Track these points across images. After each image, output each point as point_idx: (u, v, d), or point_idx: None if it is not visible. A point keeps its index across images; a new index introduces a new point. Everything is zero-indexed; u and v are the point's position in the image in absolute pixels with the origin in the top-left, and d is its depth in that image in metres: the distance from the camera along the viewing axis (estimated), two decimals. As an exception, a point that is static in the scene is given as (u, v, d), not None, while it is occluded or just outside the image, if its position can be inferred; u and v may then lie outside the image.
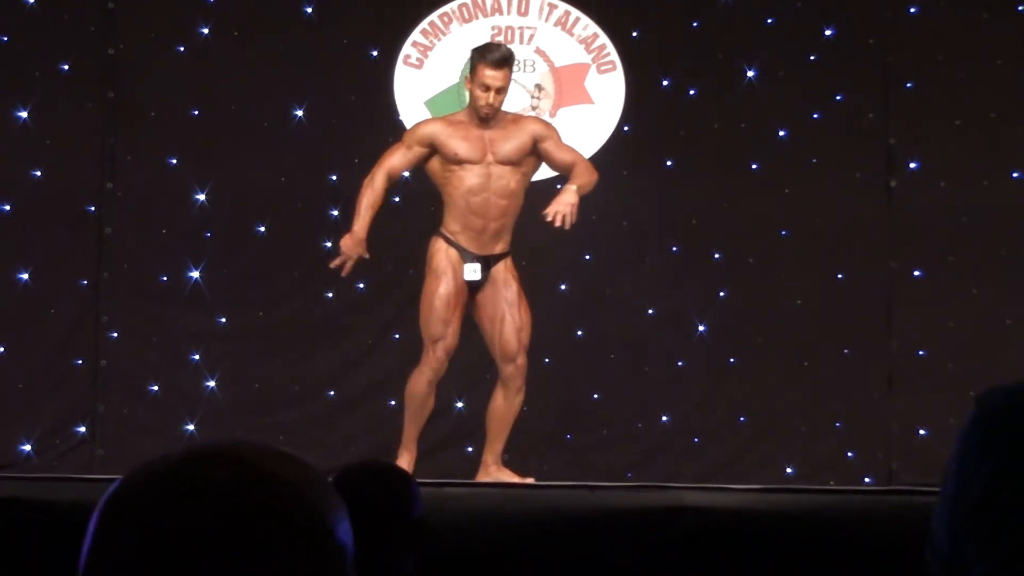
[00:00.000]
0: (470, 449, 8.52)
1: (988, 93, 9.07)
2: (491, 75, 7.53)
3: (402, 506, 3.37)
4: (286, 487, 1.22)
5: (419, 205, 8.67)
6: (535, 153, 7.68)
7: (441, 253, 7.61)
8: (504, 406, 7.67)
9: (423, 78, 9.13)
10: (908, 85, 9.14)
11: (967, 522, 1.67)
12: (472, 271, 7.59)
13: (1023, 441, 1.65)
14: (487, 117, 7.62)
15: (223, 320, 9.03)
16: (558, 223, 7.45)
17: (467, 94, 7.73)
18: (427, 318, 7.63)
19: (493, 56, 7.58)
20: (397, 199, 8.99)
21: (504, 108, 7.68)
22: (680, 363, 9.02)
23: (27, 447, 8.82)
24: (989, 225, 9.00)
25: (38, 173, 8.96)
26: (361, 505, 3.20)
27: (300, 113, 9.07)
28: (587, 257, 8.99)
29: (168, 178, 9.03)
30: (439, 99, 9.07)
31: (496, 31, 9.17)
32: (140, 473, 1.25)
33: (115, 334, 9.01)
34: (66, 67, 9.06)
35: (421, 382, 7.64)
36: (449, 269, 7.58)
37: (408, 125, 9.01)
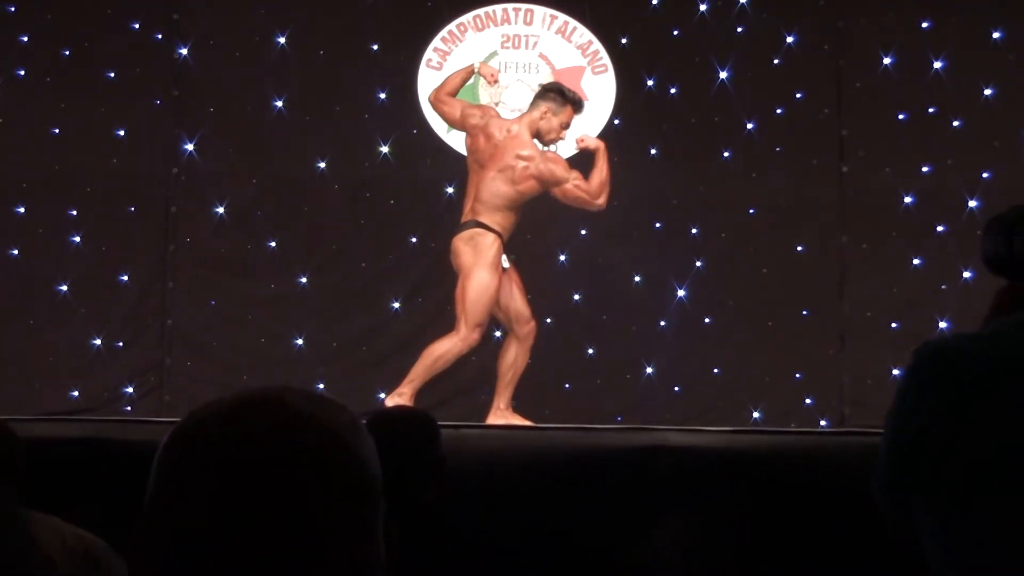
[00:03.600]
0: (483, 397, 8.52)
1: (927, 92, 9.05)
2: (574, 119, 7.84)
3: (425, 445, 3.36)
4: (324, 426, 1.21)
5: (438, 187, 8.68)
6: None
7: (495, 247, 7.51)
8: (518, 360, 7.67)
9: (442, 79, 9.09)
10: (857, 84, 9.11)
11: (906, 456, 1.66)
12: (505, 260, 7.59)
13: (951, 383, 1.64)
14: (549, 145, 7.72)
15: (272, 286, 9.02)
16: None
17: (543, 121, 7.66)
18: (480, 305, 7.46)
19: (582, 107, 7.87)
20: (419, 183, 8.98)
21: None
22: (662, 323, 9.00)
23: (105, 394, 8.83)
24: (927, 205, 8.98)
25: (114, 160, 8.96)
26: (390, 444, 3.20)
27: (338, 108, 9.05)
28: (583, 232, 8.97)
29: (225, 165, 9.02)
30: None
31: (505, 38, 9.14)
32: (197, 416, 1.24)
33: (180, 298, 9.01)
34: (137, 70, 9.04)
35: (452, 353, 7.54)
36: (499, 263, 7.52)
37: (431, 122, 9.00)
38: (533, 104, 7.73)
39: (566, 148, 8.28)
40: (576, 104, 7.71)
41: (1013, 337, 1.68)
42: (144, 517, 1.21)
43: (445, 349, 7.51)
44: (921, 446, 1.67)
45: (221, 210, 9.01)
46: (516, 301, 7.66)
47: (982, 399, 1.63)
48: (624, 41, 9.17)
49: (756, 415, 8.86)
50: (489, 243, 7.47)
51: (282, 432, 1.19)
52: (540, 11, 9.18)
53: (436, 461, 3.36)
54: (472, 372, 8.60)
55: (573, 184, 7.64)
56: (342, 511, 1.19)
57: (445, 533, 3.17)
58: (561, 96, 7.64)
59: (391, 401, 7.46)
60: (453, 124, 7.93)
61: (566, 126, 7.73)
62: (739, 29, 9.13)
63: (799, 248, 9.03)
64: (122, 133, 8.96)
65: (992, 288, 2.10)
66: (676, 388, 8.95)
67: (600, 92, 9.09)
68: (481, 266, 7.45)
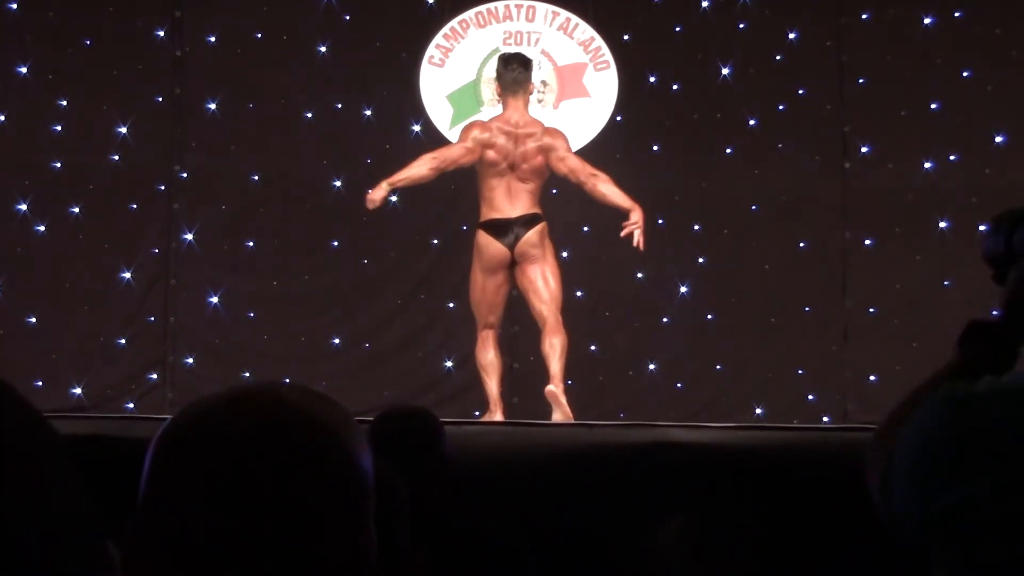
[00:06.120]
0: (476, 395, 8.50)
1: (929, 88, 9.03)
2: None
3: (431, 443, 3.35)
4: (316, 420, 1.21)
5: (441, 184, 8.66)
6: None
7: None
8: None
9: (445, 75, 9.09)
10: (860, 81, 9.10)
11: (935, 519, 1.57)
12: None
13: (1003, 468, 1.51)
14: None
15: (275, 283, 9.02)
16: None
17: (534, 93, 7.69)
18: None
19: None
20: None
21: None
22: (665, 319, 9.00)
23: (108, 391, 8.83)
24: (929, 201, 8.97)
25: (116, 158, 8.95)
26: (398, 442, 3.19)
27: (340, 106, 9.04)
28: (585, 228, 8.95)
29: (227, 162, 9.02)
30: (458, 94, 9.04)
31: (507, 35, 9.13)
32: (189, 411, 1.24)
33: (182, 295, 9.01)
34: (140, 67, 9.04)
35: (566, 345, 7.42)
36: None
37: (433, 119, 9.00)
38: (521, 87, 7.55)
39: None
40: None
41: None
42: (137, 513, 1.21)
43: (554, 342, 7.36)
44: (959, 523, 1.57)
45: (223, 207, 9.00)
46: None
47: None
48: (626, 37, 9.16)
49: (759, 411, 8.85)
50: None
51: (274, 426, 1.19)
52: (542, 7, 9.17)
53: (441, 458, 3.34)
54: (472, 370, 8.60)
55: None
56: (335, 505, 1.19)
57: (448, 531, 3.16)
58: (528, 64, 7.63)
59: (556, 394, 7.27)
60: (467, 160, 7.59)
61: None
62: (741, 25, 9.11)
63: (802, 244, 9.02)
64: (124, 130, 8.95)
65: (995, 285, 2.08)
66: (678, 384, 8.94)
67: (602, 89, 9.08)
68: (555, 261, 7.48)
